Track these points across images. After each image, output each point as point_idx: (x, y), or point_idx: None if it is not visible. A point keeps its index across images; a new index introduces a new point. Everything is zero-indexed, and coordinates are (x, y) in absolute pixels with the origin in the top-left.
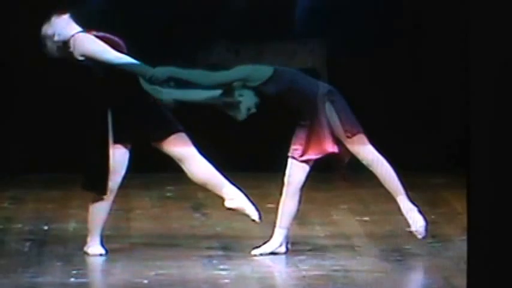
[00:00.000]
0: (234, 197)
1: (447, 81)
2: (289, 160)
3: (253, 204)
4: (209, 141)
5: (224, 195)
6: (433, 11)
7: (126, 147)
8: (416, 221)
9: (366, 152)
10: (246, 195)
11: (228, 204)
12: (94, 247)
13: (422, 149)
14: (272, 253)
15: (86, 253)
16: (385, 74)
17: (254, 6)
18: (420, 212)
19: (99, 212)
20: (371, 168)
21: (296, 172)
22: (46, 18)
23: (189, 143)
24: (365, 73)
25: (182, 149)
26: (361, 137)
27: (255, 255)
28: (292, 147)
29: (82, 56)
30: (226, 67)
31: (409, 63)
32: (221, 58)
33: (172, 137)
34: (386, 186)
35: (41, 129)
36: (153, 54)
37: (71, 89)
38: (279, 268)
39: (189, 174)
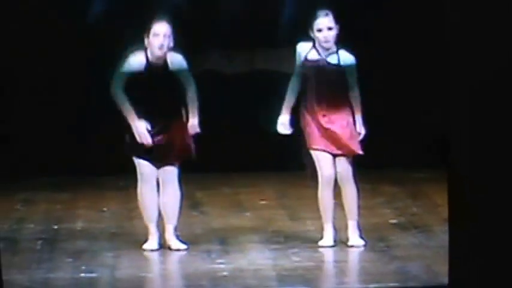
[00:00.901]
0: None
1: (430, 80)
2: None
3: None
4: (207, 142)
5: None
6: (414, 14)
7: None
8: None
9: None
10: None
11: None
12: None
13: (405, 146)
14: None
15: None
16: (368, 73)
17: (245, 14)
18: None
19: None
20: (340, 183)
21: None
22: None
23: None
24: None
25: (167, 180)
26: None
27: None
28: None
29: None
30: (219, 72)
31: (393, 62)
32: (215, 64)
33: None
34: (347, 206)
35: (51, 135)
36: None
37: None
38: (273, 260)
39: (159, 200)
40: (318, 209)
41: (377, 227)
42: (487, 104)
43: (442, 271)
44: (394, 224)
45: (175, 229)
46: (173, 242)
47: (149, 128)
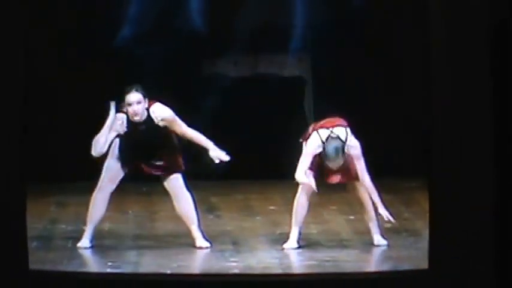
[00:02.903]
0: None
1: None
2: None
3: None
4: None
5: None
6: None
7: None
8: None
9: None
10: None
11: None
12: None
13: (399, 158)
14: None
15: None
16: (361, 85)
17: (250, 23)
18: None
19: None
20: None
21: None
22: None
23: (182, 182)
24: (343, 83)
25: (174, 187)
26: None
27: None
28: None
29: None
30: (225, 77)
31: (385, 73)
32: (221, 68)
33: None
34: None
35: (82, 146)
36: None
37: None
38: (279, 260)
39: (175, 207)
40: (319, 214)
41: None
42: (468, 117)
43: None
44: (388, 228)
45: (199, 227)
46: (198, 240)
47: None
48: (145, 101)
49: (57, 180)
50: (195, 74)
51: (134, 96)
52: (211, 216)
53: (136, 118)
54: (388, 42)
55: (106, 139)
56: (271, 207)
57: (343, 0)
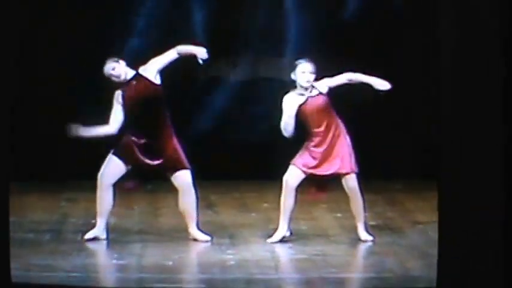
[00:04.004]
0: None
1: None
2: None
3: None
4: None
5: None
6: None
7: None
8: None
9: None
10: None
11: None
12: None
13: (384, 161)
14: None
15: None
16: (348, 91)
17: (249, 27)
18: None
19: None
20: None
21: None
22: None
23: (189, 178)
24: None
25: (182, 183)
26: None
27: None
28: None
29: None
30: (225, 79)
31: (381, 76)
32: (220, 71)
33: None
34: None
35: (91, 148)
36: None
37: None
38: (272, 253)
39: (179, 202)
40: (309, 211)
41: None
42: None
43: (410, 265)
44: (373, 225)
45: (197, 225)
46: (197, 236)
47: (136, 140)
48: (120, 63)
49: (67, 179)
50: (193, 77)
51: (109, 66)
52: (210, 212)
53: (122, 78)
54: (386, 46)
55: (115, 115)
56: (265, 205)
57: (341, 4)
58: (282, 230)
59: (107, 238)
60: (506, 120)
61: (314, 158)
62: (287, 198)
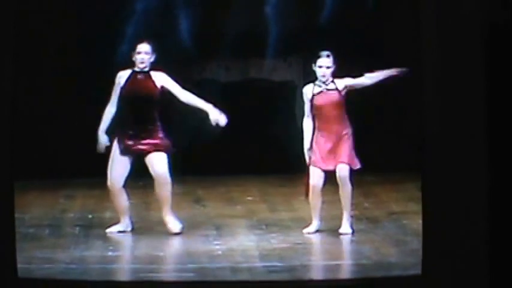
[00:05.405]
0: None
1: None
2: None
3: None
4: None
5: None
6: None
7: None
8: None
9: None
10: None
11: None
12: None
13: (360, 156)
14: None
15: None
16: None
17: (241, 28)
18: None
19: None
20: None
21: None
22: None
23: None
24: None
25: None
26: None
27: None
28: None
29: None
30: (217, 81)
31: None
32: (213, 73)
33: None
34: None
35: (87, 147)
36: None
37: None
38: (256, 242)
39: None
40: (291, 204)
41: (337, 218)
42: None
43: (386, 252)
44: (351, 215)
45: (170, 210)
46: (171, 224)
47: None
48: (152, 55)
49: (65, 178)
50: (186, 79)
51: (145, 47)
52: (198, 206)
53: (142, 66)
54: (379, 46)
55: (115, 95)
56: (249, 198)
57: (333, 4)
58: (316, 225)
59: (132, 229)
60: (489, 111)
61: (323, 155)
62: (316, 199)
